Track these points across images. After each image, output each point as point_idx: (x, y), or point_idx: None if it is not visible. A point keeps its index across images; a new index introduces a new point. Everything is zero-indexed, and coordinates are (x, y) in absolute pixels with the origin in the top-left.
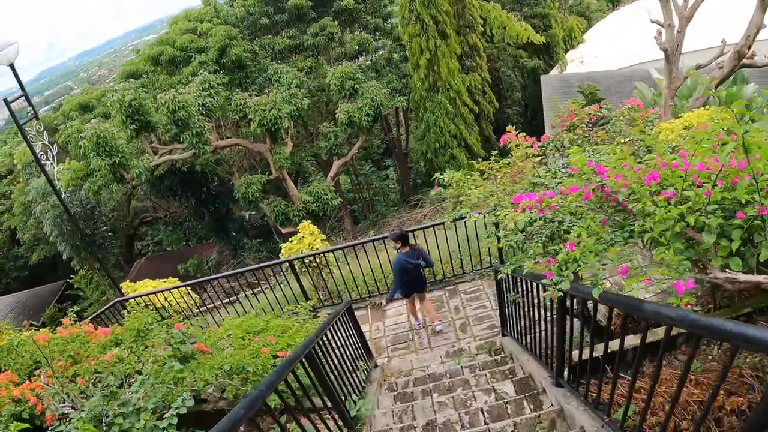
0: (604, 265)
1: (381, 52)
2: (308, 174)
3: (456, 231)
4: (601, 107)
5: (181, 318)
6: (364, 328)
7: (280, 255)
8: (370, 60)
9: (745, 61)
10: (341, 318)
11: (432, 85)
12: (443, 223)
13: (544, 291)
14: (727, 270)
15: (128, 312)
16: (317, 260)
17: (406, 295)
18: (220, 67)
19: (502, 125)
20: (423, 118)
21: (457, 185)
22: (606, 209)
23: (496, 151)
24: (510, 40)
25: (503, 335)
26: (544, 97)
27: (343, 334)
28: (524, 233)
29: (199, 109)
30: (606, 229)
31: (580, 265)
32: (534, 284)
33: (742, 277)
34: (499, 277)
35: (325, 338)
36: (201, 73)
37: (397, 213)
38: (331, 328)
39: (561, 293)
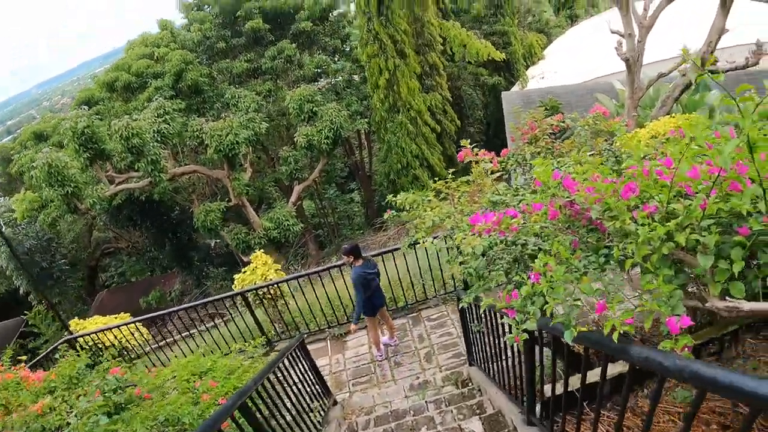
0: (577, 300)
1: (341, 75)
2: (272, 200)
3: (416, 255)
4: (563, 117)
5: (133, 356)
6: (324, 361)
7: (233, 287)
8: (330, 82)
9: (707, 67)
10: (292, 355)
11: (392, 106)
12: (398, 249)
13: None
14: (728, 297)
15: (78, 351)
16: (271, 291)
17: (371, 314)
18: (176, 93)
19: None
20: (384, 139)
21: (412, 207)
22: (577, 229)
23: (453, 169)
24: (470, 58)
25: (470, 364)
26: (506, 114)
27: (296, 373)
28: (486, 257)
29: (154, 136)
30: (578, 254)
31: (547, 302)
32: (497, 313)
33: (747, 305)
34: (460, 306)
35: (268, 382)
36: (156, 99)
37: (362, 236)
38: (279, 367)
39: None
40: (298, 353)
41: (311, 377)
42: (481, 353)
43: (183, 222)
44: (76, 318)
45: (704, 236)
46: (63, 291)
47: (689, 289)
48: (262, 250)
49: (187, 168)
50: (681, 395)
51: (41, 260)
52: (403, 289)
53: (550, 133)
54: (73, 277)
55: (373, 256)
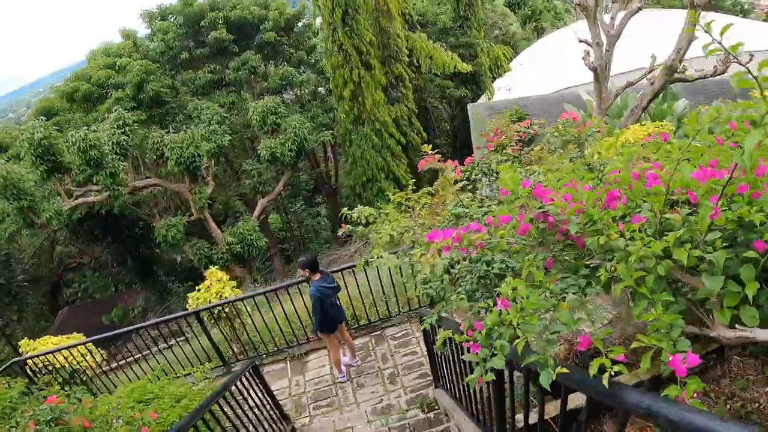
0: (554, 334)
1: (306, 87)
2: (238, 214)
3: (379, 271)
4: (531, 123)
5: (85, 379)
6: (283, 384)
7: (187, 305)
8: (296, 94)
9: (677, 74)
10: (243, 381)
11: (357, 117)
12: (353, 267)
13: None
14: (737, 325)
15: (27, 374)
16: (226, 310)
17: (330, 331)
18: (137, 104)
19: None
20: (349, 152)
21: (368, 221)
22: (550, 245)
23: (414, 180)
24: (437, 70)
25: (436, 387)
26: (472, 126)
27: (250, 400)
28: (450, 275)
29: (113, 148)
30: (553, 275)
31: (518, 335)
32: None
33: (762, 334)
34: (422, 327)
35: (219, 409)
36: (116, 110)
37: (329, 250)
38: (226, 396)
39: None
40: (251, 378)
41: (266, 402)
42: (447, 375)
43: (145, 237)
44: (27, 338)
45: (711, 253)
46: (21, 308)
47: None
48: (216, 267)
49: (148, 181)
50: None
51: None
52: (365, 307)
53: (518, 140)
54: (33, 294)
55: (333, 272)
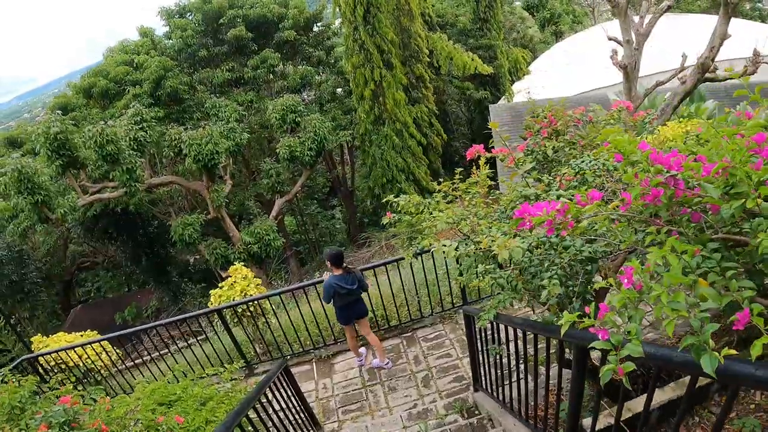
0: (704, 312)
1: (325, 87)
2: (253, 215)
3: (412, 269)
4: (586, 109)
5: (99, 378)
6: (309, 386)
7: (209, 303)
8: (314, 94)
9: (708, 74)
10: (275, 383)
11: (377, 117)
12: (400, 260)
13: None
14: None
15: (38, 372)
16: (251, 308)
17: (344, 323)
18: (155, 101)
19: (449, 159)
20: (369, 152)
21: (416, 210)
22: (678, 218)
23: (461, 169)
24: (457, 72)
25: (476, 390)
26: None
27: (279, 402)
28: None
29: (130, 144)
30: (695, 248)
31: (665, 309)
32: (531, 335)
33: None
34: (478, 325)
35: (249, 416)
36: (133, 106)
37: (345, 253)
38: (261, 399)
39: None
40: (282, 380)
41: (296, 405)
42: (491, 377)
43: (160, 236)
44: (40, 334)
45: None
46: (34, 305)
47: None
48: (241, 263)
49: (165, 179)
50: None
51: (11, 273)
52: (396, 307)
53: (573, 124)
54: (45, 291)
55: (364, 269)
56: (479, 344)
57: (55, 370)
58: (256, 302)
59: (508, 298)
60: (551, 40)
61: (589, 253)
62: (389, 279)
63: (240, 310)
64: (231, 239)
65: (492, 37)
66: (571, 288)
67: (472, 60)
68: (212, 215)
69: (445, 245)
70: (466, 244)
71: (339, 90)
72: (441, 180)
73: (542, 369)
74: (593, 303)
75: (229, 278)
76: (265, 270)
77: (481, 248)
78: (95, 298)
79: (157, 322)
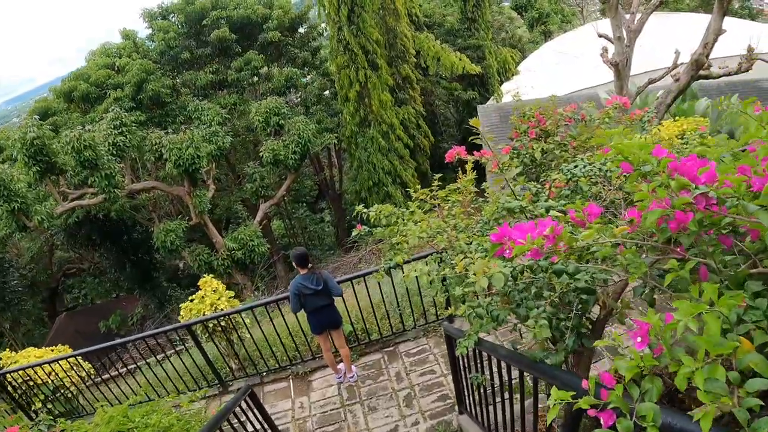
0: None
1: (310, 89)
2: (240, 220)
3: (392, 280)
4: (578, 107)
5: (69, 396)
6: (286, 405)
7: (179, 317)
8: (300, 96)
9: (702, 71)
10: (241, 409)
11: (363, 119)
12: (372, 273)
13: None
14: None
15: (6, 390)
16: (222, 323)
17: (316, 332)
18: (137, 105)
19: (438, 161)
20: (355, 155)
21: (388, 221)
22: (704, 245)
23: (440, 174)
24: (444, 72)
25: (460, 413)
26: (482, 128)
27: (248, 428)
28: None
29: (109, 149)
30: (739, 297)
31: (699, 395)
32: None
33: None
34: (457, 352)
35: None
36: (113, 110)
37: (333, 257)
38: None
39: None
40: (247, 405)
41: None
42: (478, 401)
43: (144, 242)
44: (8, 350)
45: None
46: (16, 315)
47: None
48: (210, 276)
49: (146, 184)
50: None
51: None
52: (377, 319)
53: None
54: (31, 299)
55: (341, 282)
56: (462, 366)
57: (23, 387)
58: (228, 317)
59: (489, 326)
60: (540, 39)
61: (586, 282)
62: (368, 291)
63: (211, 325)
64: (215, 245)
65: (480, 37)
66: (563, 322)
67: (460, 60)
68: (195, 221)
69: (416, 269)
70: (439, 265)
71: (325, 92)
72: (432, 181)
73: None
74: (589, 349)
75: (200, 290)
76: (249, 276)
77: (456, 272)
78: (82, 305)
79: (126, 339)
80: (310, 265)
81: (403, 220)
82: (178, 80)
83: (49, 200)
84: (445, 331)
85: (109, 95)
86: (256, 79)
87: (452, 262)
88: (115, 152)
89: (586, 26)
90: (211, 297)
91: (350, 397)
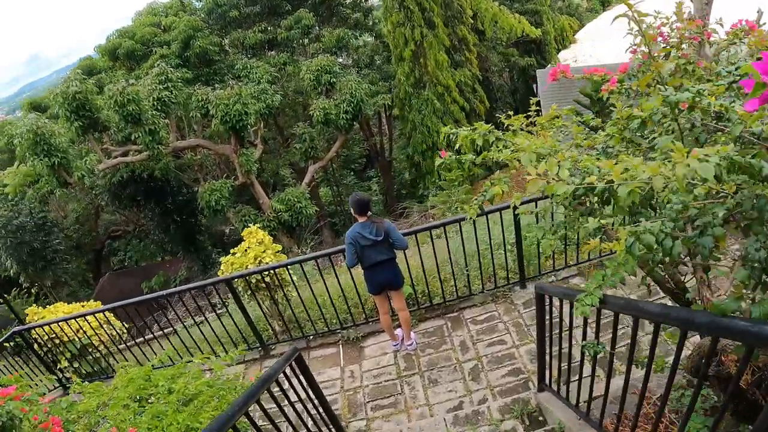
0: None
1: (362, 50)
2: (287, 184)
3: (462, 236)
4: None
5: (96, 355)
6: (334, 373)
7: (218, 272)
8: (352, 58)
9: None
10: (285, 375)
11: (418, 80)
12: (458, 222)
13: None
14: None
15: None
16: (266, 279)
17: (374, 291)
18: (183, 62)
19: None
20: (408, 118)
21: (485, 142)
22: None
23: (537, 99)
24: (502, 35)
25: (540, 390)
26: (540, 94)
27: (288, 402)
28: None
29: (153, 104)
30: None
31: None
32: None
33: None
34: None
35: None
36: (158, 65)
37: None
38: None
39: None
40: (293, 371)
41: (312, 402)
42: (566, 376)
43: (189, 204)
44: (35, 305)
45: None
46: (57, 273)
47: None
48: (257, 226)
49: (191, 142)
50: None
51: (32, 240)
52: (440, 282)
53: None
54: (75, 260)
55: (406, 234)
56: (549, 333)
57: (48, 345)
58: (272, 272)
59: (620, 275)
60: (599, 8)
61: None
62: (434, 247)
63: (254, 281)
64: (261, 207)
65: (538, 1)
66: None
67: (519, 22)
68: (241, 181)
69: (555, 173)
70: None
71: (377, 58)
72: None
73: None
74: None
75: (243, 242)
76: (296, 239)
77: (616, 187)
78: (128, 267)
79: (157, 293)
80: (369, 213)
81: (501, 144)
82: (226, 39)
83: (90, 156)
84: (538, 290)
85: (155, 53)
86: (306, 40)
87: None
88: (159, 107)
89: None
90: (255, 249)
91: (408, 367)
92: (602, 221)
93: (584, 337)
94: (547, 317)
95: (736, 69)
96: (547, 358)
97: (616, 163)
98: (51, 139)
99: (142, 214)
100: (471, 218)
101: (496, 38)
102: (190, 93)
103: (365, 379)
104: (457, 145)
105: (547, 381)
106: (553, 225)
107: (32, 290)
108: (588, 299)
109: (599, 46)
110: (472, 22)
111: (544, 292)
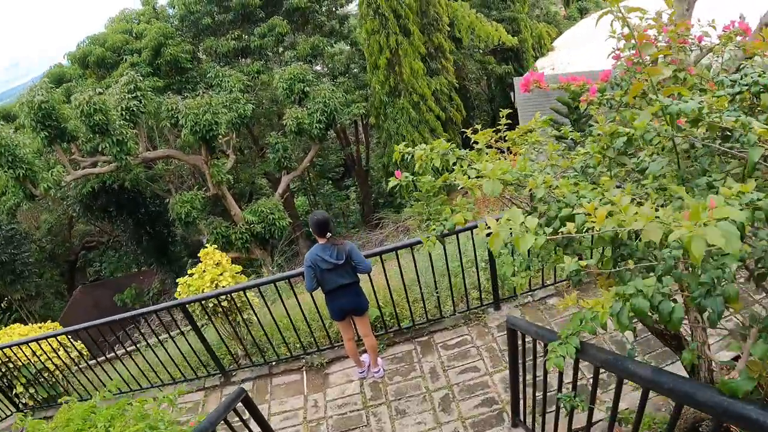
0: None
1: (338, 58)
2: (264, 193)
3: (430, 256)
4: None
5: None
6: (297, 402)
7: (175, 294)
8: (327, 66)
9: None
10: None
11: (393, 89)
12: (414, 246)
13: None
14: None
15: None
16: (224, 303)
17: (337, 318)
18: (154, 70)
19: (469, 138)
20: (384, 127)
21: (444, 164)
22: None
23: (508, 111)
24: (479, 43)
25: (515, 425)
26: (518, 102)
27: None
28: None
29: (122, 114)
30: None
31: None
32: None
33: None
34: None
35: None
36: (127, 73)
37: (357, 234)
38: None
39: None
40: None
41: None
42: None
43: (161, 215)
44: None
45: None
46: (26, 287)
47: None
48: (213, 247)
49: (160, 152)
50: None
51: (0, 253)
52: (409, 303)
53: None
54: (48, 272)
55: (369, 255)
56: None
57: (2, 369)
58: (229, 295)
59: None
60: (577, 16)
61: None
62: (400, 268)
63: (211, 305)
64: (233, 219)
65: (516, 9)
66: None
67: (496, 30)
68: (212, 192)
69: (510, 219)
70: (547, 224)
71: (353, 67)
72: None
73: None
74: None
75: (200, 264)
76: (270, 252)
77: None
78: (103, 278)
79: (110, 318)
80: (329, 234)
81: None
82: (199, 48)
83: (57, 167)
84: (510, 324)
85: (126, 60)
86: (281, 49)
87: (586, 213)
88: (128, 117)
89: (626, 1)
90: (211, 272)
91: (375, 396)
92: (581, 263)
93: (559, 389)
94: (521, 347)
95: (742, 78)
96: (521, 391)
97: (600, 200)
98: (15, 150)
99: (114, 225)
100: (428, 248)
101: (473, 46)
102: (160, 102)
103: (329, 409)
104: (416, 166)
105: (522, 416)
106: (526, 260)
107: (1, 305)
108: (561, 349)
109: (577, 53)
110: (449, 29)
111: (516, 327)
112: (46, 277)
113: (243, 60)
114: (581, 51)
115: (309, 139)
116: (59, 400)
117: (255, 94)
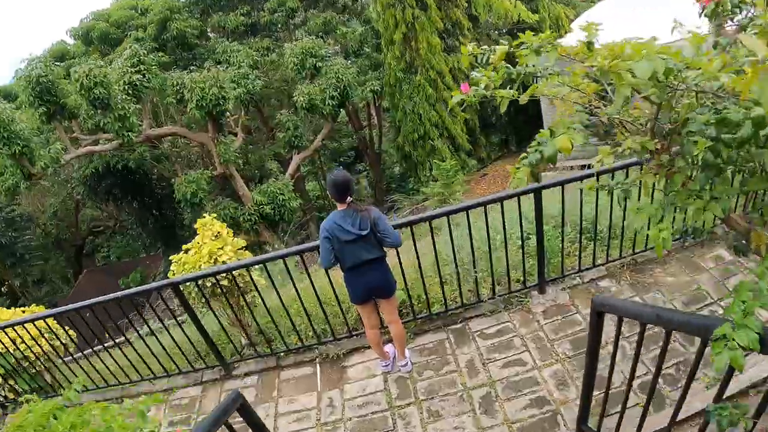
0: None
1: (351, 36)
2: (273, 176)
3: (470, 229)
4: None
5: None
6: (309, 401)
7: (169, 273)
8: (339, 43)
9: None
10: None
11: (409, 65)
12: (449, 215)
13: None
14: None
15: None
16: (224, 282)
17: (358, 301)
18: (160, 46)
19: (485, 120)
20: (399, 105)
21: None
22: None
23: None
24: (497, 21)
25: (581, 429)
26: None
27: None
28: None
29: (124, 88)
30: None
31: None
32: None
33: None
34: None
35: None
36: (131, 47)
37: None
38: None
39: None
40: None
41: None
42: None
43: (168, 197)
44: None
45: None
46: (27, 271)
47: None
48: (212, 216)
49: (165, 129)
50: None
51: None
52: (441, 285)
53: None
54: (48, 257)
55: (397, 227)
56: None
57: None
58: (230, 274)
59: None
60: None
61: None
62: (433, 239)
63: (209, 285)
64: (242, 199)
65: None
66: None
67: (515, 6)
68: (219, 171)
69: None
70: None
71: (366, 47)
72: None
73: None
74: None
75: (197, 237)
76: (279, 235)
77: None
78: (112, 263)
79: (93, 300)
80: (350, 198)
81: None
82: (207, 23)
83: (55, 144)
84: (598, 305)
85: (130, 35)
86: (292, 26)
87: None
88: (131, 92)
89: None
90: (210, 245)
91: (402, 394)
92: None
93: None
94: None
95: None
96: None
97: None
98: (11, 126)
99: (120, 208)
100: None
101: (491, 25)
102: (165, 78)
103: (348, 410)
104: (492, 64)
105: (588, 420)
106: (661, 205)
107: (1, 289)
108: (740, 336)
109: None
110: (466, 5)
111: (609, 310)
112: (52, 262)
113: (252, 37)
114: (602, 33)
115: (321, 116)
116: (20, 399)
117: (265, 73)
